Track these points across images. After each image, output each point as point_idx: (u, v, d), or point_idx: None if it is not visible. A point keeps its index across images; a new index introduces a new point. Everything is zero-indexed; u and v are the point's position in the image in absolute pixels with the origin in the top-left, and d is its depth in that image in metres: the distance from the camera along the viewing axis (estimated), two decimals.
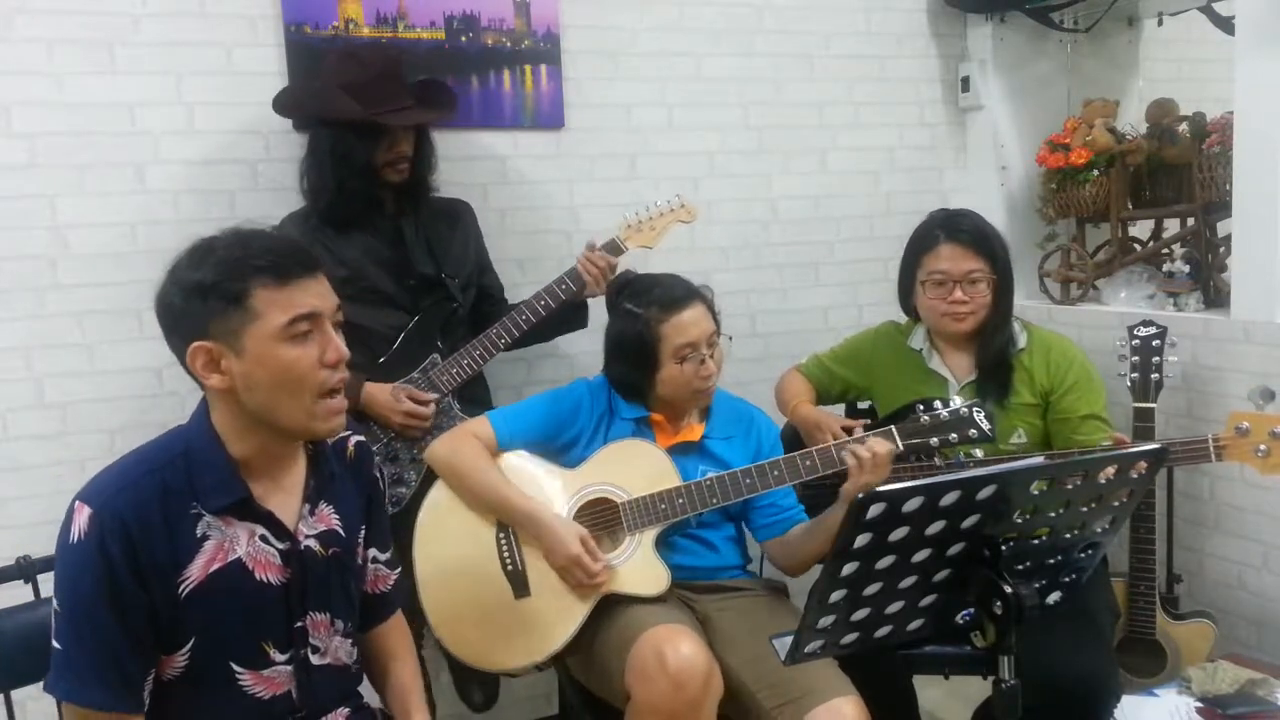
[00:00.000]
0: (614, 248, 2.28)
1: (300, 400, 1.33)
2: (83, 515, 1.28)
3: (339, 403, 1.37)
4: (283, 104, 2.32)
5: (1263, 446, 1.90)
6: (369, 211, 2.22)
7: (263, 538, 1.38)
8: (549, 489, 1.97)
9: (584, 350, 2.50)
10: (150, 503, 1.30)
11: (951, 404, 1.87)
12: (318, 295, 1.34)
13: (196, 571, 1.33)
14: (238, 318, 1.29)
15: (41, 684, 1.52)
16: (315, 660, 1.45)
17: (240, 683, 1.38)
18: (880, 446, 1.82)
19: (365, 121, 2.12)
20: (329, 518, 1.47)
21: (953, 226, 2.13)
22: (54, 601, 1.31)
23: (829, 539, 1.89)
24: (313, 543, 1.43)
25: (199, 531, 1.33)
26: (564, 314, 2.31)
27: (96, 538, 1.27)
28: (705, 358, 1.95)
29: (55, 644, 1.30)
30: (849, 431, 2.21)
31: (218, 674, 1.37)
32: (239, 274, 1.30)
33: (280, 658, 1.41)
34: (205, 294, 1.30)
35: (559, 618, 1.91)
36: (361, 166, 2.15)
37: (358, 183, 2.16)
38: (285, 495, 1.42)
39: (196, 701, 1.37)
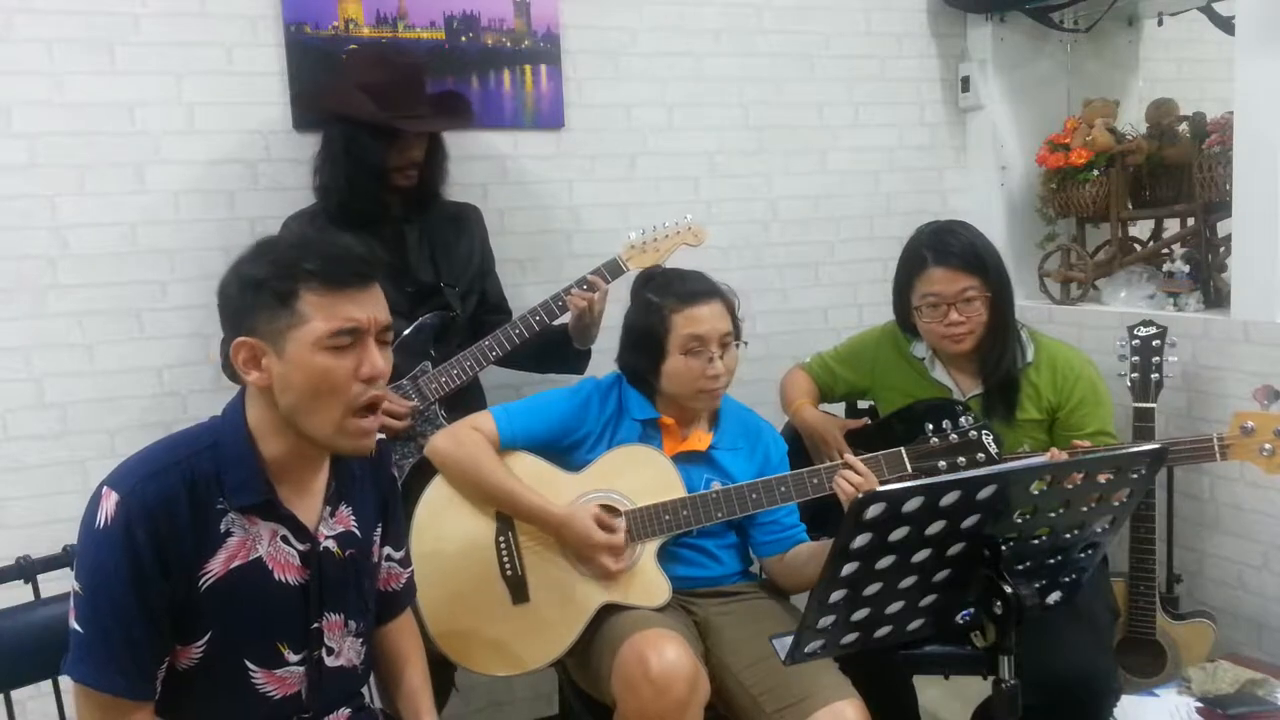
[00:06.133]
0: (615, 268, 2.23)
1: (330, 412, 1.32)
2: (110, 501, 1.29)
3: (370, 423, 1.35)
4: (305, 99, 2.35)
5: (1268, 446, 1.90)
6: (374, 215, 2.21)
7: (284, 538, 1.39)
8: (550, 492, 1.94)
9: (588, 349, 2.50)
10: (177, 493, 1.30)
11: (961, 423, 1.87)
12: (365, 308, 1.33)
13: (218, 566, 1.34)
14: (284, 318, 1.29)
15: (40, 683, 1.54)
16: (329, 661, 1.46)
17: (254, 680, 1.39)
18: (862, 479, 1.84)
19: (380, 124, 2.12)
20: (347, 519, 1.48)
21: (940, 247, 2.06)
22: (75, 584, 1.31)
23: None
24: (331, 544, 1.44)
25: (223, 527, 1.34)
26: (558, 351, 2.27)
27: (123, 524, 1.27)
28: (714, 356, 1.91)
29: (75, 627, 1.31)
30: (853, 435, 2.21)
31: (232, 669, 1.38)
32: (290, 275, 1.29)
33: (294, 658, 1.41)
34: (257, 289, 1.30)
35: (558, 624, 1.91)
36: (372, 168, 2.15)
37: (367, 184, 2.16)
38: (308, 497, 1.42)
39: (210, 694, 1.38)
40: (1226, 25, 2.63)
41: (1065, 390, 2.10)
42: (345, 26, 2.45)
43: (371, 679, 1.66)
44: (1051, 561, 1.40)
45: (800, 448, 2.26)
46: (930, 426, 1.89)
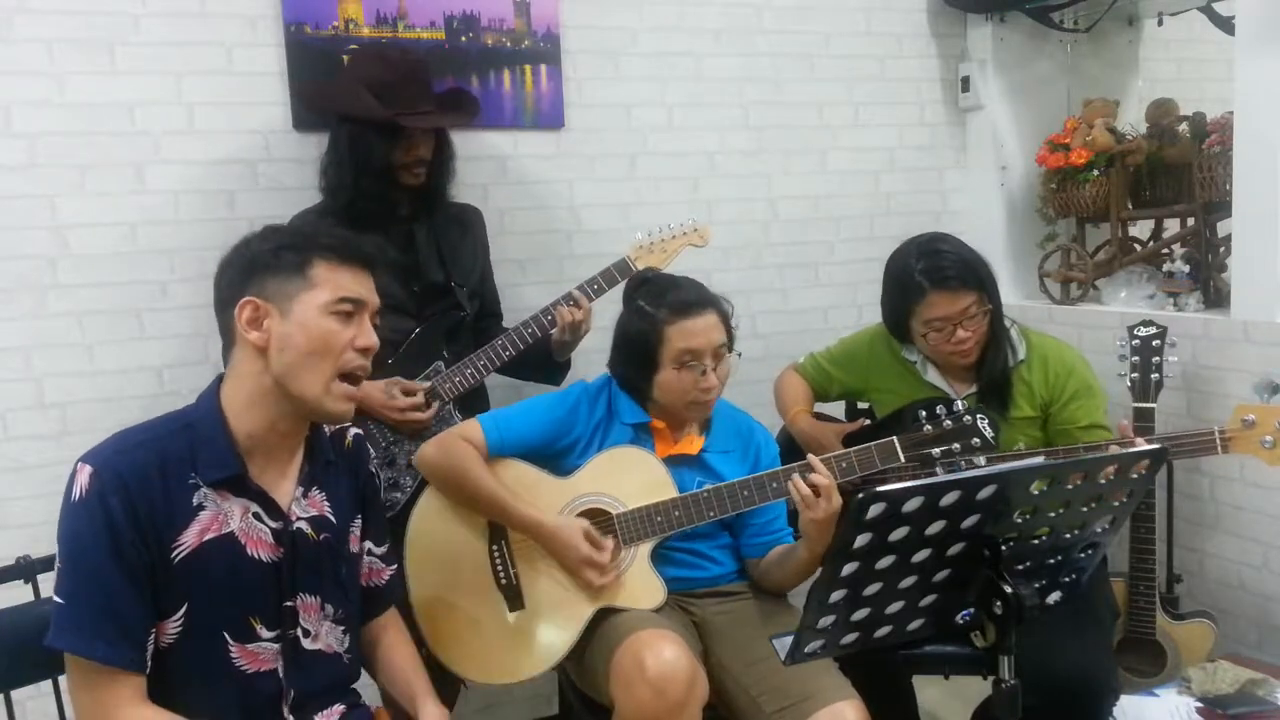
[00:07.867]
0: (624, 268, 2.24)
1: (321, 372, 1.40)
2: (84, 474, 1.34)
3: (354, 390, 1.45)
4: (306, 96, 2.35)
5: (1268, 438, 1.89)
6: (382, 214, 2.20)
7: (256, 515, 1.43)
8: (541, 499, 1.92)
9: (584, 349, 2.49)
10: (149, 467, 1.36)
11: (955, 409, 1.85)
12: (367, 288, 1.46)
13: (191, 538, 1.37)
14: (295, 283, 1.41)
15: (40, 683, 1.54)
16: (306, 644, 1.48)
17: (231, 655, 1.42)
18: (820, 480, 1.78)
19: (385, 121, 2.12)
20: (320, 504, 1.51)
21: (936, 273, 2.01)
22: (56, 560, 1.35)
23: (795, 572, 1.90)
24: (304, 525, 1.47)
25: (195, 501, 1.38)
26: (536, 360, 2.28)
27: (97, 493, 1.32)
28: (707, 369, 1.89)
29: (56, 599, 1.34)
30: (851, 438, 2.20)
31: (211, 644, 1.40)
32: (307, 245, 1.43)
33: (267, 635, 1.44)
34: (274, 254, 1.42)
35: (555, 630, 1.90)
36: (379, 166, 2.14)
37: (374, 182, 2.16)
38: (280, 477, 1.47)
39: (192, 671, 1.40)
40: (1226, 25, 2.64)
41: (1058, 386, 2.11)
42: (345, 26, 2.45)
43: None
44: (1051, 561, 1.40)
45: (797, 454, 2.25)
46: (924, 413, 1.86)
